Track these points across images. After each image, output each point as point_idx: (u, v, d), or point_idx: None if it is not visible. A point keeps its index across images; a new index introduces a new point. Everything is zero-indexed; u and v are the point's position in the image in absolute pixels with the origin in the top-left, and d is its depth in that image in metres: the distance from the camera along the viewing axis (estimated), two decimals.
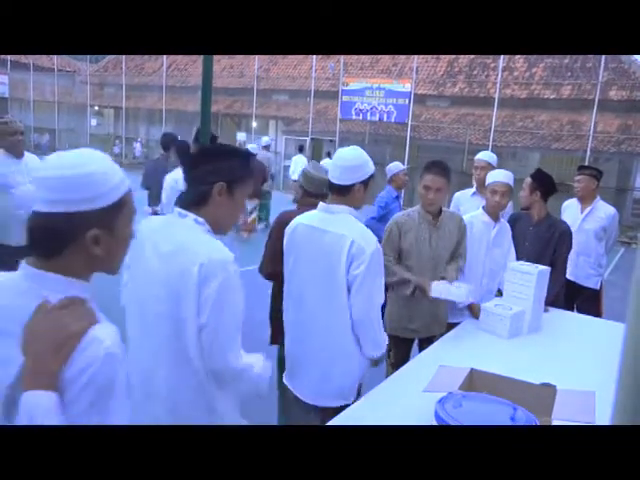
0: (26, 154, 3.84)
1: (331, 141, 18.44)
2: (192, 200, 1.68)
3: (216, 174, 1.66)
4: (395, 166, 5.49)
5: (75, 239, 1.02)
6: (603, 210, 4.41)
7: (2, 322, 1.00)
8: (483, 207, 3.33)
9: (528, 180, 3.52)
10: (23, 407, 0.89)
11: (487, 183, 3.33)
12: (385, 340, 2.33)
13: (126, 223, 1.10)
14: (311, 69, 19.26)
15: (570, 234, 3.52)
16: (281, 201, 9.08)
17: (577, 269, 4.32)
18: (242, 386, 1.72)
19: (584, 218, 4.35)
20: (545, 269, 2.96)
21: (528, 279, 2.89)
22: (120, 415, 0.99)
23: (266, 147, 11.00)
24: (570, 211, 4.45)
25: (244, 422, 1.80)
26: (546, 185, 3.50)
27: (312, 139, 18.57)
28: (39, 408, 0.89)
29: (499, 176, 3.28)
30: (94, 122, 24.79)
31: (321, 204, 2.31)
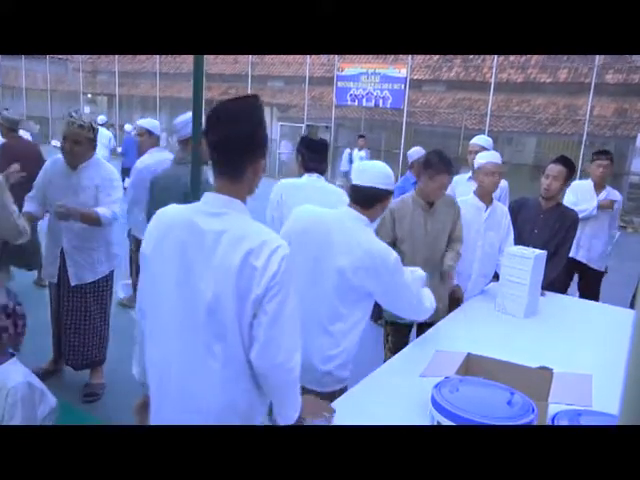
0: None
1: (327, 127, 18.32)
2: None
3: None
4: (416, 152, 5.20)
5: (379, 202, 2.15)
6: (614, 195, 4.49)
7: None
8: (474, 191, 3.31)
9: (558, 168, 3.42)
10: None
11: (478, 165, 3.28)
12: None
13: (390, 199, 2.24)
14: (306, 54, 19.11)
15: (578, 222, 3.52)
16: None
17: (589, 252, 4.39)
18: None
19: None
20: (542, 253, 2.95)
21: (525, 263, 2.88)
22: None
23: None
24: (584, 195, 4.44)
25: None
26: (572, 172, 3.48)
27: (308, 126, 18.45)
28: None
29: (492, 157, 3.25)
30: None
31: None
